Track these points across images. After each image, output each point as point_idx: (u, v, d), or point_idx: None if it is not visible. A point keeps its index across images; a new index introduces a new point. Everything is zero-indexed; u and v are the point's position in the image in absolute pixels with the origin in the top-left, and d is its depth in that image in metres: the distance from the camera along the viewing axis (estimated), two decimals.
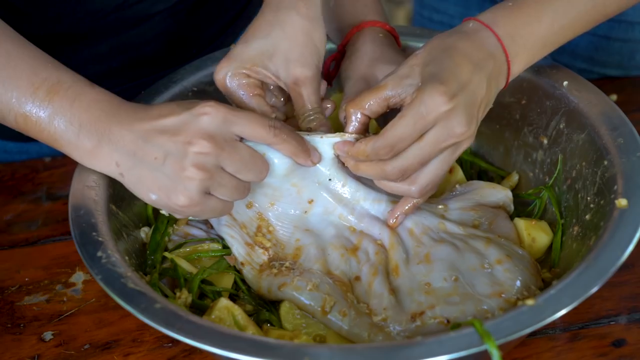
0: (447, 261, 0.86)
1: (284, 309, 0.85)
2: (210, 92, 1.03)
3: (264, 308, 0.87)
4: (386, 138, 0.81)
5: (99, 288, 0.80)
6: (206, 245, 0.92)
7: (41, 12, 1.03)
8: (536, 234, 0.92)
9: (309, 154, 0.86)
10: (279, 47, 0.89)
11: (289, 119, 0.95)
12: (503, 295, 0.82)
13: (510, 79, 0.87)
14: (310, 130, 0.90)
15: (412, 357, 0.70)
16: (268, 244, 0.91)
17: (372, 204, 0.93)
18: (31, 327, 0.92)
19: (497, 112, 0.94)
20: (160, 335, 0.89)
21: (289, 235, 0.92)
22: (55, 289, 0.96)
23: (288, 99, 0.94)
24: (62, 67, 0.84)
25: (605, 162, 0.87)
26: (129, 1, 1.07)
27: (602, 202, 0.85)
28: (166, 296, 0.86)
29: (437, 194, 0.98)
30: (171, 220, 0.94)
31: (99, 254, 0.80)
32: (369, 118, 0.86)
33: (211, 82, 0.99)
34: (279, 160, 0.87)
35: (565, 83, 0.96)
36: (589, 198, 0.89)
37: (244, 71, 0.90)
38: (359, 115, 0.86)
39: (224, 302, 0.84)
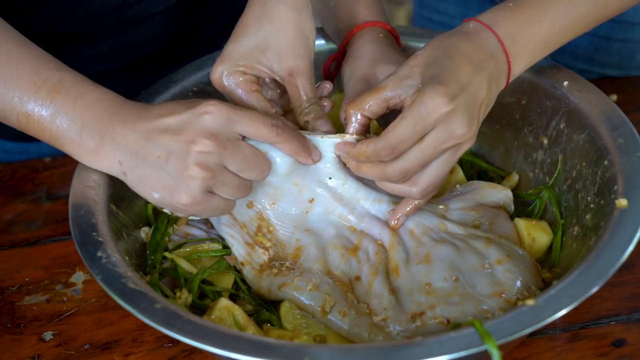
0: (448, 261, 0.86)
1: (284, 309, 0.85)
2: (211, 92, 1.03)
3: (264, 308, 0.87)
4: (387, 140, 0.81)
5: (99, 288, 0.80)
6: (206, 245, 0.92)
7: (41, 12, 1.03)
8: (536, 234, 0.92)
9: (310, 153, 0.87)
10: (270, 41, 0.89)
11: (287, 113, 0.95)
12: (503, 295, 0.82)
13: (511, 79, 0.87)
14: (307, 123, 0.90)
15: (412, 357, 0.70)
16: (268, 244, 0.91)
17: (373, 204, 0.93)
18: (31, 327, 0.92)
19: (497, 112, 0.94)
20: (160, 335, 0.89)
21: (289, 235, 0.92)
22: (55, 289, 0.96)
23: (284, 92, 0.94)
24: (64, 66, 0.85)
25: (606, 162, 0.87)
26: (129, 1, 1.07)
27: (602, 202, 0.85)
28: (166, 296, 0.86)
29: (438, 194, 0.98)
30: (171, 220, 0.94)
31: (99, 254, 0.80)
32: (369, 119, 0.86)
33: (211, 82, 0.99)
34: (280, 159, 0.87)
35: (565, 83, 0.96)
36: (589, 198, 0.89)
37: (239, 69, 0.90)
38: (359, 116, 0.86)
39: (224, 302, 0.84)
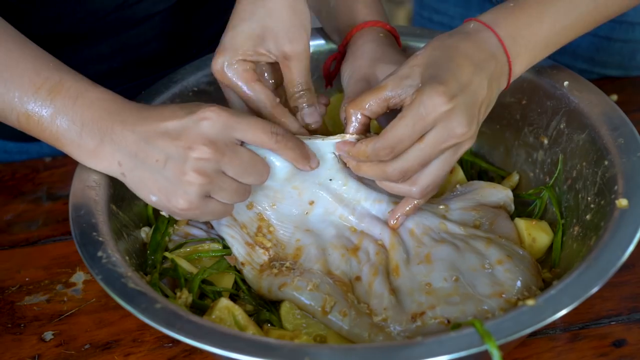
0: (448, 261, 0.86)
1: (285, 309, 0.85)
2: (211, 92, 1.03)
3: (265, 308, 0.87)
4: (386, 139, 0.81)
5: (100, 288, 0.80)
6: (206, 245, 0.92)
7: (41, 12, 1.03)
8: (536, 234, 0.92)
9: (309, 161, 0.86)
10: (266, 26, 0.88)
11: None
12: (504, 295, 0.82)
13: (512, 79, 0.87)
14: (297, 108, 0.89)
15: (412, 357, 0.70)
16: (268, 244, 0.91)
17: (373, 204, 0.93)
18: (31, 327, 0.92)
19: (497, 112, 0.94)
20: (160, 335, 0.89)
21: (289, 236, 0.92)
22: (55, 289, 0.96)
23: (280, 83, 0.94)
24: (64, 66, 0.85)
25: (606, 162, 0.87)
26: (129, 1, 1.07)
27: (602, 202, 0.85)
28: (166, 296, 0.86)
29: (438, 194, 0.98)
30: (171, 220, 0.94)
31: (100, 254, 0.80)
32: (369, 118, 0.86)
33: (211, 82, 1.00)
34: (280, 164, 0.86)
35: (565, 83, 0.96)
36: (589, 198, 0.89)
37: (239, 58, 0.89)
38: (359, 116, 0.86)
39: (225, 302, 0.84)
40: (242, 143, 0.82)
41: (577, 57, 1.30)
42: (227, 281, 0.90)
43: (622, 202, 0.81)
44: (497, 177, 1.05)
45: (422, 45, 1.05)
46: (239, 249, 0.90)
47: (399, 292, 0.86)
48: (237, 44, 0.88)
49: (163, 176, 0.80)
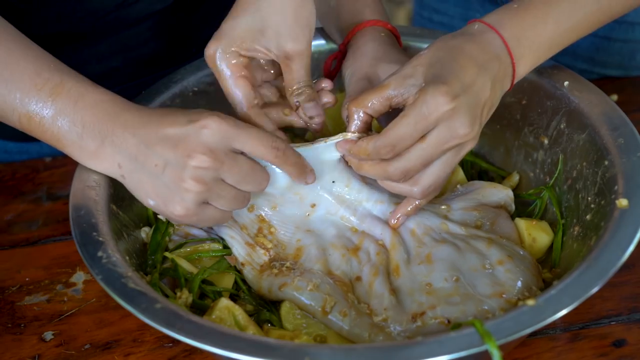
0: (448, 261, 0.86)
1: (285, 309, 0.85)
2: (211, 92, 1.03)
3: (265, 308, 0.87)
4: (387, 137, 0.81)
5: (100, 288, 0.80)
6: (207, 245, 0.92)
7: (41, 11, 1.03)
8: (537, 234, 0.92)
9: (306, 176, 0.86)
10: (269, 22, 0.87)
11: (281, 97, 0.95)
12: (504, 295, 0.82)
13: (516, 81, 0.87)
14: (298, 104, 0.89)
15: (412, 357, 0.70)
16: (269, 245, 0.91)
17: (375, 205, 0.93)
18: (32, 327, 0.92)
19: (497, 112, 0.94)
20: (160, 335, 0.89)
21: (290, 236, 0.92)
22: (55, 289, 0.96)
23: (279, 73, 0.94)
24: (65, 67, 0.85)
25: (606, 162, 0.87)
26: (129, 0, 1.07)
27: (602, 202, 0.85)
28: (167, 296, 0.86)
29: (439, 195, 0.98)
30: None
31: (100, 254, 0.80)
32: (372, 117, 0.86)
33: (212, 82, 0.99)
34: (281, 172, 0.86)
35: (566, 83, 0.96)
36: (589, 198, 0.89)
37: (233, 49, 0.88)
38: (361, 114, 0.86)
39: (225, 302, 0.84)
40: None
41: (577, 57, 1.30)
42: (227, 281, 0.90)
43: (622, 202, 0.81)
44: (498, 177, 1.05)
45: (422, 45, 1.05)
46: (238, 250, 0.90)
47: (399, 292, 0.86)
48: (235, 35, 0.88)
49: (161, 181, 0.80)
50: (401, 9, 2.79)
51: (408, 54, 1.00)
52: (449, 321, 0.81)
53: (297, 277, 0.86)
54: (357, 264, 0.89)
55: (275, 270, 0.88)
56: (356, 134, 0.86)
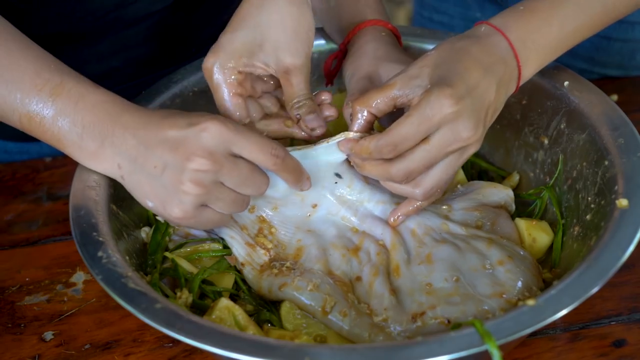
0: (449, 261, 0.86)
1: (285, 309, 0.85)
2: (211, 92, 1.03)
3: (265, 308, 0.87)
4: (390, 136, 0.81)
5: (100, 288, 0.80)
6: (207, 245, 0.92)
7: (41, 11, 1.03)
8: (537, 234, 0.92)
9: (302, 184, 0.87)
10: (267, 36, 0.87)
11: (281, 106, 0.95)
12: (504, 295, 0.82)
13: (521, 83, 0.87)
14: (299, 116, 0.89)
15: (412, 357, 0.70)
16: (269, 245, 0.91)
17: (376, 205, 0.93)
18: (32, 327, 0.92)
19: None
20: (160, 335, 0.89)
21: (290, 236, 0.92)
22: (55, 289, 0.96)
23: (279, 83, 0.94)
24: (65, 67, 0.85)
25: (606, 162, 0.87)
26: (128, 0, 1.07)
27: (602, 202, 0.85)
28: (167, 296, 0.86)
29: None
30: None
31: (100, 254, 0.80)
32: (375, 117, 0.86)
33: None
34: None
35: (566, 83, 0.96)
36: (589, 198, 0.89)
37: (231, 64, 0.88)
38: (365, 113, 0.86)
39: (225, 302, 0.84)
40: None
41: (577, 57, 1.30)
42: (227, 281, 0.90)
43: (622, 202, 0.81)
44: (498, 177, 1.05)
45: (422, 45, 1.05)
46: (238, 250, 0.90)
47: (399, 292, 0.86)
48: (233, 49, 0.88)
49: (160, 183, 0.80)
50: (401, 9, 2.79)
51: (408, 54, 1.00)
52: (449, 321, 0.81)
53: (297, 277, 0.86)
54: (357, 264, 0.89)
55: (275, 270, 0.88)
56: (358, 134, 0.86)
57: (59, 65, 0.84)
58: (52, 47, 0.90)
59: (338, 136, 0.87)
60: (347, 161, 0.90)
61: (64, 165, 1.13)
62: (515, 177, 1.03)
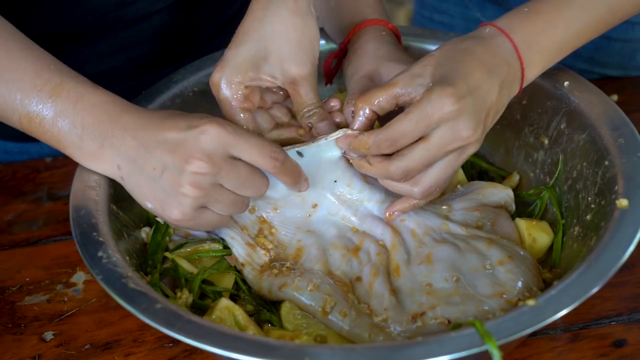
0: (449, 262, 0.86)
1: (285, 309, 0.85)
2: (211, 92, 1.03)
3: (265, 308, 0.87)
4: (389, 131, 0.81)
5: (100, 288, 0.80)
6: (207, 246, 0.92)
7: (41, 11, 1.03)
8: (537, 234, 0.92)
9: (300, 185, 0.87)
10: (272, 48, 0.87)
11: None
12: (504, 296, 0.82)
13: (524, 85, 0.87)
14: (310, 124, 0.89)
15: (412, 357, 0.70)
16: (270, 245, 0.91)
17: (376, 205, 0.93)
18: (32, 327, 0.92)
19: None
20: (161, 335, 0.89)
21: (290, 236, 0.92)
22: (56, 289, 0.96)
23: (288, 94, 0.94)
24: (65, 67, 0.85)
25: (606, 163, 0.87)
26: (128, 0, 1.07)
27: (602, 202, 0.85)
28: (167, 296, 0.86)
29: (440, 195, 0.98)
30: None
31: (100, 254, 0.80)
32: (377, 115, 0.86)
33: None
34: None
35: (566, 83, 0.96)
36: (589, 198, 0.89)
37: (237, 79, 0.88)
38: (367, 111, 0.86)
39: (225, 302, 0.84)
40: None
41: (577, 57, 1.29)
42: (227, 281, 0.90)
43: (623, 202, 0.81)
44: (498, 178, 1.05)
45: (422, 45, 1.05)
46: (238, 250, 0.90)
47: (399, 292, 0.86)
48: (238, 64, 0.88)
49: (159, 185, 0.80)
50: (401, 9, 2.79)
51: (409, 53, 1.00)
52: (449, 321, 0.81)
53: (297, 277, 0.86)
54: (357, 264, 0.89)
55: (276, 271, 0.88)
56: (357, 132, 0.86)
57: (59, 65, 0.84)
58: (52, 47, 0.90)
59: (337, 132, 0.87)
60: (346, 160, 0.90)
61: (64, 166, 1.13)
62: (516, 177, 1.03)
